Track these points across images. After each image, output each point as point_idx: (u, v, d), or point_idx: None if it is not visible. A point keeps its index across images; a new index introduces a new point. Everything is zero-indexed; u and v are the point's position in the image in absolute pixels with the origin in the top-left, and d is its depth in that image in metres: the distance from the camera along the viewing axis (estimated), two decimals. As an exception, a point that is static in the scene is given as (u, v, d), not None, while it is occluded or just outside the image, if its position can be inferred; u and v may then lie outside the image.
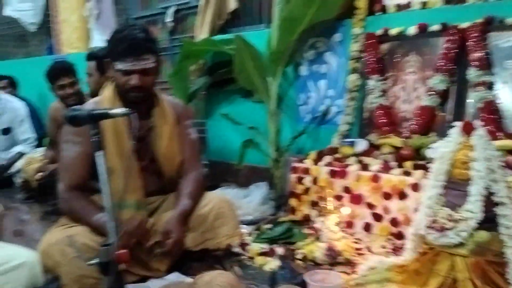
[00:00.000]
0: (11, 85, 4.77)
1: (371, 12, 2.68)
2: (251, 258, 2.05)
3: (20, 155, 3.92)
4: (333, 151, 2.52)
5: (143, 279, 1.82)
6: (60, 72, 3.11)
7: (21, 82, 4.92)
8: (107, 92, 1.97)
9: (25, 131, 4.09)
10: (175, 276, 1.86)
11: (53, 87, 3.18)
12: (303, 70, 2.89)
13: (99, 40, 4.27)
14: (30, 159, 3.59)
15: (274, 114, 2.79)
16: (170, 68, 3.39)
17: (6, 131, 4.05)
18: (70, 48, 4.58)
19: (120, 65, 1.85)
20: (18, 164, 3.79)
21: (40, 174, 3.25)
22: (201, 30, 3.19)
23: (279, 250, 2.10)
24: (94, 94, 2.66)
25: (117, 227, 1.71)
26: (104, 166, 1.32)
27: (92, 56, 2.96)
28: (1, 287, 1.62)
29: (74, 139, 1.88)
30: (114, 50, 1.86)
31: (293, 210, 2.46)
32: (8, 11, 5.03)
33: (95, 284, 1.73)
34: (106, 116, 1.37)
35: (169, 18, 3.62)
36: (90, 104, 1.98)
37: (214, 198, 2.03)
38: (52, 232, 1.85)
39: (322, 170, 2.36)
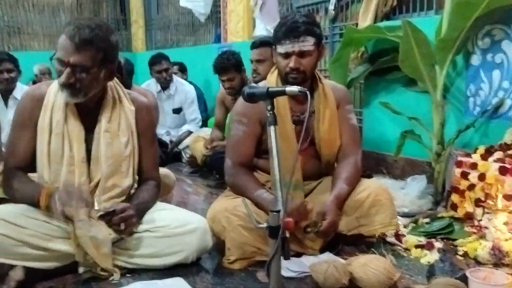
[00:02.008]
0: (182, 70, 5.29)
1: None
2: (406, 249, 1.99)
3: (188, 133, 4.34)
4: (505, 147, 2.30)
5: (298, 255, 1.89)
6: (223, 69, 3.39)
7: (190, 67, 5.42)
8: (271, 77, 2.07)
9: (193, 111, 4.52)
10: (327, 256, 1.90)
11: (218, 78, 3.49)
12: (475, 59, 2.66)
13: (262, 29, 4.46)
14: (197, 137, 3.93)
15: (439, 105, 2.63)
16: (330, 55, 3.41)
17: (177, 110, 4.53)
18: (235, 37, 4.88)
19: (280, 48, 1.93)
20: (186, 141, 4.20)
21: (205, 151, 3.54)
22: (365, 17, 3.14)
23: (438, 244, 2.01)
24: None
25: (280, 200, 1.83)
26: (275, 140, 1.40)
27: (261, 43, 3.10)
28: (175, 246, 1.83)
29: (241, 120, 2.02)
30: (276, 35, 1.96)
31: (454, 206, 2.30)
32: (183, 2, 5.55)
33: (254, 252, 1.86)
34: (282, 93, 1.46)
35: (331, 5, 3.63)
36: None
37: (371, 185, 2.01)
38: (219, 201, 2.02)
39: (491, 166, 2.17)
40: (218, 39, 5.31)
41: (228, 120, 2.80)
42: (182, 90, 4.52)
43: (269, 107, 1.42)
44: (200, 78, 5.27)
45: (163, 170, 2.35)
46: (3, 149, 2.77)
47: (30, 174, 1.84)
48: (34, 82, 5.72)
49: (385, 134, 3.19)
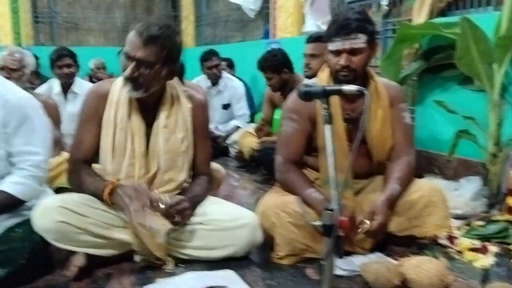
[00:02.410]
0: (229, 66, 5.35)
1: None
2: (460, 252, 1.95)
3: (236, 128, 4.40)
4: None
5: (347, 254, 1.88)
6: (262, 68, 3.45)
7: (237, 63, 5.46)
8: (322, 74, 2.06)
9: (241, 107, 4.56)
10: (377, 256, 1.88)
11: (262, 75, 3.54)
12: (537, 57, 2.55)
13: (312, 25, 4.44)
14: (245, 133, 3.96)
15: (496, 104, 2.54)
16: (382, 52, 3.36)
17: (226, 106, 4.59)
18: (284, 33, 4.87)
19: (331, 46, 1.91)
20: (234, 137, 4.26)
21: (253, 147, 3.58)
22: (420, 13, 3.06)
23: (493, 248, 1.96)
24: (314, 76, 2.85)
25: (327, 201, 1.83)
26: (331, 139, 1.40)
27: (316, 38, 3.09)
28: (226, 240, 1.88)
29: (292, 117, 2.02)
30: (327, 32, 1.94)
31: (510, 210, 2.23)
32: (232, -2, 5.63)
33: (304, 249, 1.87)
34: (339, 92, 1.46)
35: (384, 1, 3.56)
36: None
37: (424, 186, 1.98)
38: (268, 197, 2.04)
39: (553, 170, 2.09)
40: (266, 35, 5.32)
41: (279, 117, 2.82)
42: (231, 85, 4.57)
43: (324, 106, 1.42)
44: (247, 74, 5.31)
45: (214, 165, 2.40)
46: (64, 140, 2.94)
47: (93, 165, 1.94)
48: (90, 76, 5.96)
49: (438, 133, 3.11)
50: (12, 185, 1.73)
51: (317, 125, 1.98)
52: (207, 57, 4.46)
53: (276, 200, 1.93)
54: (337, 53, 1.90)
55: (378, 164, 2.07)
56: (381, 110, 2.00)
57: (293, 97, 2.07)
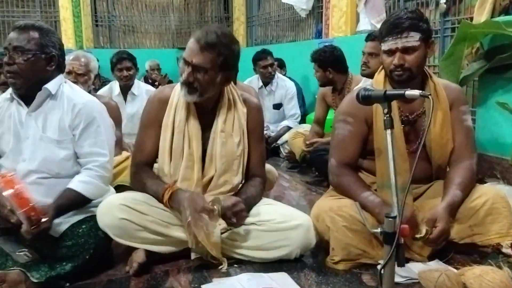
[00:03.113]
0: (280, 66, 5.34)
1: None
2: (525, 263, 1.85)
3: (287, 128, 4.39)
4: None
5: (405, 261, 1.83)
6: (314, 60, 3.47)
7: (289, 63, 5.46)
8: (379, 76, 2.02)
9: (293, 107, 4.56)
10: (436, 264, 1.83)
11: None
12: None
13: (366, 24, 4.37)
14: (296, 133, 3.96)
15: None
16: (441, 51, 3.25)
17: (278, 106, 4.59)
18: (337, 32, 4.82)
19: (384, 46, 1.89)
20: (285, 137, 4.26)
21: (305, 148, 3.56)
22: (481, 11, 2.94)
23: (562, 260, 1.84)
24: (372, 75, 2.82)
25: (385, 205, 1.80)
26: (391, 144, 1.38)
27: (376, 36, 3.04)
28: (280, 241, 1.88)
29: (347, 119, 1.99)
30: (380, 33, 1.92)
31: None
32: (284, -1, 5.63)
33: (359, 254, 1.84)
34: (401, 96, 1.43)
35: (443, -1, 3.45)
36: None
37: (488, 192, 1.90)
38: (323, 200, 2.03)
39: None
40: (319, 35, 5.29)
41: (333, 119, 2.80)
42: (283, 85, 4.58)
43: (385, 111, 1.40)
44: (299, 73, 5.30)
45: (266, 166, 2.41)
46: (124, 140, 3.05)
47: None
48: (145, 77, 6.15)
49: (501, 136, 2.97)
50: (80, 184, 1.83)
51: (373, 128, 1.95)
52: (261, 56, 4.49)
53: (331, 204, 1.91)
54: (390, 52, 1.87)
55: (438, 168, 2.01)
56: (441, 113, 1.94)
57: (347, 99, 2.05)
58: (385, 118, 1.40)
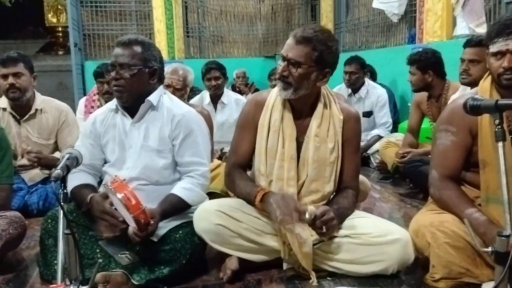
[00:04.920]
0: (371, 73, 5.19)
1: None
2: None
3: (378, 137, 4.25)
4: None
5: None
6: (413, 61, 3.30)
7: (379, 69, 5.29)
8: (484, 83, 1.89)
9: (384, 115, 4.39)
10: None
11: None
12: None
13: (464, 28, 4.13)
14: (388, 142, 3.80)
15: None
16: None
17: (368, 114, 4.45)
18: (431, 37, 4.61)
19: (492, 48, 1.77)
20: (376, 146, 4.11)
21: (397, 159, 3.38)
22: None
23: None
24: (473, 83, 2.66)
25: (491, 223, 1.67)
26: (503, 157, 1.27)
27: (478, 41, 2.86)
28: (376, 255, 1.82)
29: (449, 129, 1.88)
30: (488, 34, 1.81)
31: None
32: (376, 4, 5.48)
33: (462, 273, 1.73)
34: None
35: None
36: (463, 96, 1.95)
37: None
38: (423, 214, 1.93)
39: None
40: (412, 40, 5.09)
41: (434, 129, 2.66)
42: (374, 93, 4.44)
43: (496, 121, 1.29)
44: (390, 80, 5.13)
45: (359, 177, 2.35)
46: (215, 147, 3.13)
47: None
48: (233, 86, 6.30)
49: None
50: (183, 191, 1.91)
51: (477, 138, 1.82)
52: (346, 62, 4.41)
53: (432, 218, 1.81)
54: (500, 54, 1.75)
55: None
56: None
57: (450, 107, 1.94)
58: (496, 129, 1.29)
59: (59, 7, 9.54)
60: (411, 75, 3.35)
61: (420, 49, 3.42)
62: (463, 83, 2.91)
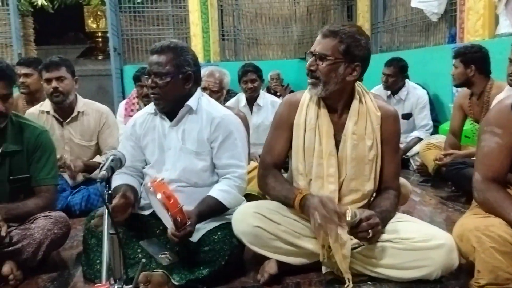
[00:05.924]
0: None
1: None
2: None
3: (418, 139, 4.15)
4: None
5: None
6: (458, 54, 3.22)
7: (418, 70, 5.16)
8: None
9: (424, 117, 4.29)
10: None
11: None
12: None
13: (507, 27, 3.98)
14: (428, 144, 3.71)
15: None
16: None
17: (408, 116, 4.35)
18: (473, 36, 4.47)
19: None
20: (416, 148, 4.01)
21: (438, 162, 3.29)
22: None
23: None
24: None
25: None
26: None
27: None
28: (419, 261, 1.77)
29: (494, 130, 1.82)
30: None
31: None
32: (414, 3, 5.37)
33: (509, 279, 1.66)
34: None
35: None
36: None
37: None
38: (467, 218, 1.87)
39: None
40: (452, 39, 4.95)
41: (478, 130, 2.58)
42: (414, 94, 4.34)
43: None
44: (430, 81, 5.00)
45: (400, 180, 2.29)
46: (251, 150, 3.13)
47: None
48: (268, 88, 6.30)
49: None
50: (220, 193, 1.91)
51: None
52: (386, 63, 4.34)
53: (477, 222, 1.75)
54: None
55: None
56: None
57: (495, 108, 1.89)
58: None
59: (99, 13, 9.80)
60: (454, 68, 3.27)
61: (466, 45, 3.31)
62: (511, 85, 2.80)
